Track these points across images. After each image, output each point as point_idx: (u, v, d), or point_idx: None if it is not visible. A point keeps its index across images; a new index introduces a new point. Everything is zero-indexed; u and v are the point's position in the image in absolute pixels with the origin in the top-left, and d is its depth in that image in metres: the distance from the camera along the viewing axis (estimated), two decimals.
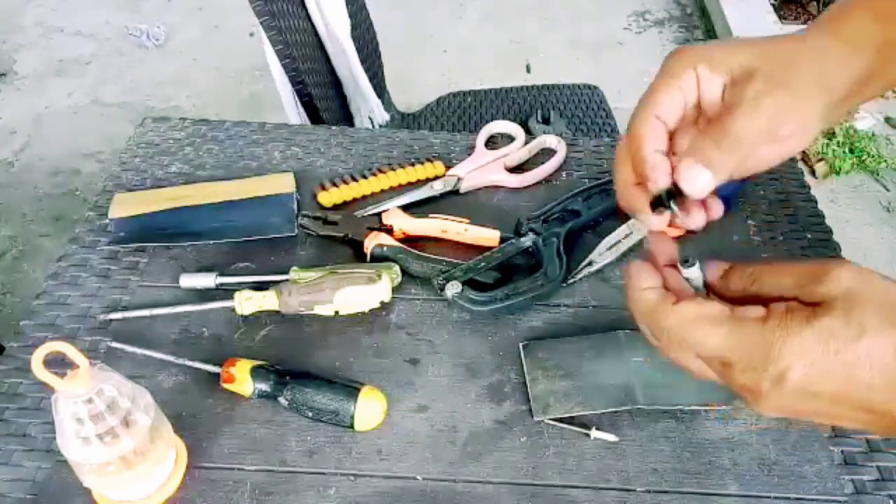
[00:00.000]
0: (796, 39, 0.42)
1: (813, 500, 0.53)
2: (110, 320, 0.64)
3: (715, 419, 0.58)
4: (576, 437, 0.57)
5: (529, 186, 0.79)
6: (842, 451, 0.56)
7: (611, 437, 0.57)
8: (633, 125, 0.42)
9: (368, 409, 0.56)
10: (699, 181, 0.40)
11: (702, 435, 0.57)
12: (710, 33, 2.68)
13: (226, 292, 0.65)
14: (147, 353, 0.61)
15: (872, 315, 0.33)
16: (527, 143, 0.83)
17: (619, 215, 0.73)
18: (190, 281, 0.67)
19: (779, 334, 0.34)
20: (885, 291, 0.34)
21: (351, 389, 0.57)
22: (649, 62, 2.59)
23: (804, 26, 0.45)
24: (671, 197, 0.42)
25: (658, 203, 0.42)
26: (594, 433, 0.57)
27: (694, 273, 0.41)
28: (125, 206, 0.73)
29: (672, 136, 0.44)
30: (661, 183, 0.42)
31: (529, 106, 1.56)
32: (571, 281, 0.68)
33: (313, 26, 1.26)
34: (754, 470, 0.55)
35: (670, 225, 0.43)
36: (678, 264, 0.41)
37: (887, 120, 2.22)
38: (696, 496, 0.54)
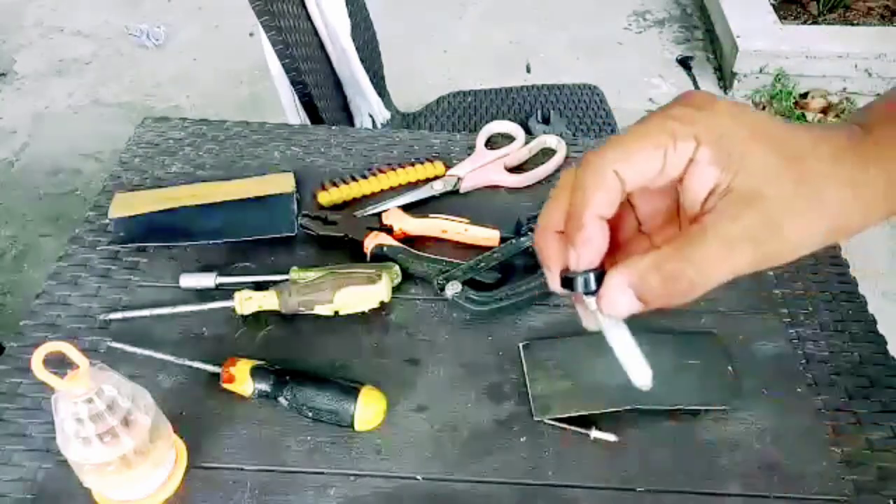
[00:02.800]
0: (825, 161, 0.32)
1: (813, 500, 0.53)
2: (110, 320, 0.64)
3: (715, 419, 0.58)
4: (576, 437, 0.57)
5: (529, 186, 0.79)
6: (842, 451, 0.56)
7: (611, 437, 0.57)
8: (586, 173, 0.33)
9: (368, 408, 0.56)
10: (620, 307, 0.33)
11: (702, 435, 0.57)
12: (711, 33, 2.68)
13: (226, 292, 0.65)
14: (147, 353, 0.61)
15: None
16: (527, 143, 0.83)
17: None
18: (190, 281, 0.67)
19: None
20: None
21: (351, 389, 0.56)
22: (649, 62, 2.59)
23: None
24: (587, 282, 0.34)
25: (570, 280, 0.34)
26: (594, 433, 0.57)
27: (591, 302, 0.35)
28: (125, 206, 0.73)
29: (631, 198, 0.35)
30: (583, 263, 0.33)
31: (529, 106, 1.56)
32: None
33: (313, 26, 1.26)
34: (754, 470, 0.55)
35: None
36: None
37: None
38: (696, 496, 0.54)
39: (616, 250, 0.35)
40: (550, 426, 0.58)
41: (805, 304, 0.66)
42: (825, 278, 0.69)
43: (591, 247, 0.33)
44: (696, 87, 2.46)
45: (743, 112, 0.32)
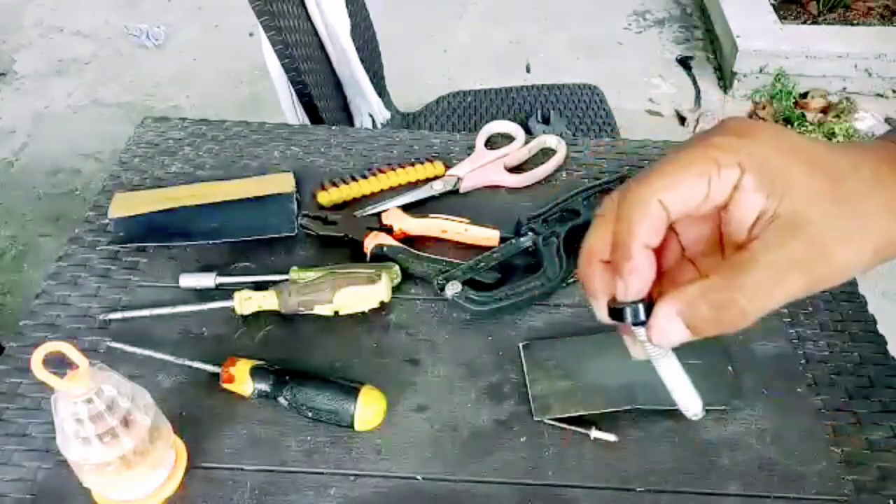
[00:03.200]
0: (866, 182, 0.32)
1: (813, 500, 0.53)
2: (110, 320, 0.64)
3: (715, 419, 0.58)
4: (576, 437, 0.57)
5: (529, 186, 0.79)
6: (843, 451, 0.56)
7: (611, 437, 0.57)
8: (630, 203, 0.33)
9: (368, 408, 0.56)
10: (671, 336, 0.33)
11: (702, 435, 0.57)
12: (710, 33, 2.68)
13: (225, 292, 0.65)
14: (147, 353, 0.61)
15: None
16: (526, 142, 0.83)
17: None
18: (190, 281, 0.67)
19: None
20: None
21: (351, 389, 0.56)
22: (649, 62, 2.59)
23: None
24: (636, 313, 0.33)
25: (618, 311, 0.34)
26: (594, 433, 0.57)
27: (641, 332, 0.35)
28: (125, 206, 0.73)
29: (674, 225, 0.34)
30: (632, 294, 0.33)
31: (529, 106, 1.56)
32: (571, 281, 0.68)
33: (313, 26, 1.26)
34: (754, 470, 0.55)
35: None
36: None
37: (888, 120, 2.22)
38: (696, 496, 0.54)
39: (661, 277, 0.35)
40: (550, 426, 0.58)
41: (805, 304, 0.66)
42: None
43: (639, 277, 0.33)
44: (696, 87, 2.46)
45: (784, 136, 0.32)
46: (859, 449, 0.56)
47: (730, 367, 0.60)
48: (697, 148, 0.32)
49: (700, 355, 0.61)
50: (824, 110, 2.31)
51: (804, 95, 2.35)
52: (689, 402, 0.37)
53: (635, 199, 0.32)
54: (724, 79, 2.47)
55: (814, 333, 0.64)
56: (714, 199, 0.32)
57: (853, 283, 0.68)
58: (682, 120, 2.28)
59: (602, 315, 0.36)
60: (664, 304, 0.32)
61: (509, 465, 0.55)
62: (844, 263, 0.31)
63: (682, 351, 0.63)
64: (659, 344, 0.34)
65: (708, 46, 2.66)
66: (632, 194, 0.33)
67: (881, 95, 2.32)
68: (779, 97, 2.33)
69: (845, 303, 0.66)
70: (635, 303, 0.34)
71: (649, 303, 0.33)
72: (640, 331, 0.34)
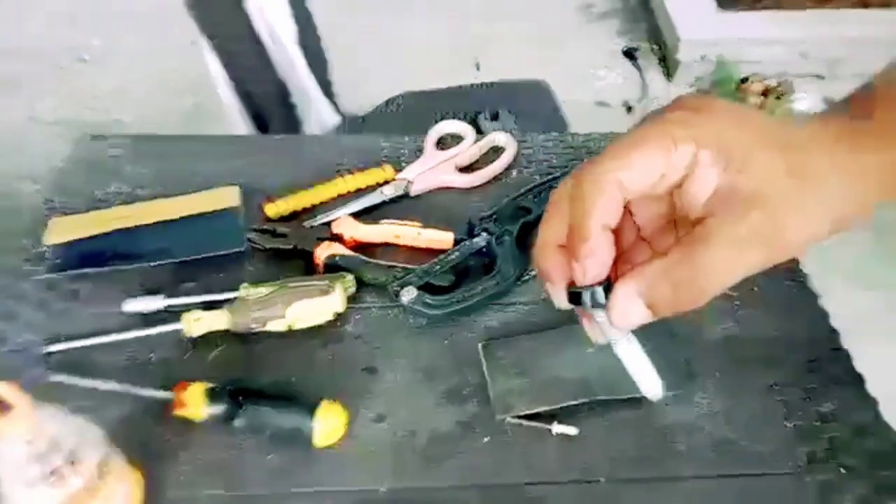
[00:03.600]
0: (822, 155, 0.32)
1: (769, 475, 0.55)
2: (52, 353, 0.62)
3: (670, 404, 0.59)
4: (538, 433, 0.57)
5: (481, 186, 0.79)
6: (794, 426, 0.57)
7: (572, 431, 0.57)
8: (585, 183, 0.32)
9: (327, 423, 0.55)
10: (631, 317, 0.33)
11: (660, 421, 0.58)
12: (653, 24, 2.72)
13: (173, 314, 0.63)
14: (93, 384, 0.58)
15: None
16: (476, 141, 0.83)
17: None
18: (135, 305, 0.65)
19: None
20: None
21: (309, 405, 0.55)
22: (596, 55, 2.63)
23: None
24: (595, 296, 0.33)
25: (577, 295, 0.33)
26: (556, 428, 0.57)
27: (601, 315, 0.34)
28: (62, 232, 0.70)
29: (629, 205, 0.34)
30: (590, 276, 0.33)
31: (479, 103, 1.56)
32: (526, 278, 0.68)
33: (256, 33, 1.23)
34: (710, 451, 0.56)
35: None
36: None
37: (825, 100, 2.29)
38: (656, 482, 0.54)
39: (617, 259, 0.35)
40: (512, 424, 0.58)
41: (750, 286, 0.68)
42: None
43: (597, 259, 0.32)
44: (642, 77, 2.50)
45: (738, 111, 0.32)
46: (810, 422, 0.58)
47: (682, 353, 0.61)
48: (652, 126, 0.31)
49: (652, 342, 0.62)
50: (764, 93, 2.37)
51: (745, 80, 2.41)
52: (650, 383, 0.38)
53: (591, 180, 0.32)
54: (669, 68, 2.51)
55: (760, 313, 0.65)
56: (670, 177, 0.32)
57: (795, 261, 0.70)
58: (630, 110, 2.32)
59: (560, 301, 0.35)
60: (623, 285, 0.32)
61: (473, 468, 0.55)
62: (801, 236, 0.31)
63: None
64: (619, 326, 0.33)
65: (651, 37, 2.70)
66: (586, 175, 0.32)
67: (818, 76, 2.40)
68: (721, 83, 2.38)
69: (789, 281, 0.68)
70: (594, 285, 0.33)
71: (608, 285, 0.33)
72: (600, 313, 0.34)
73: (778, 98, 2.30)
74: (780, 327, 0.64)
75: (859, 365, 0.62)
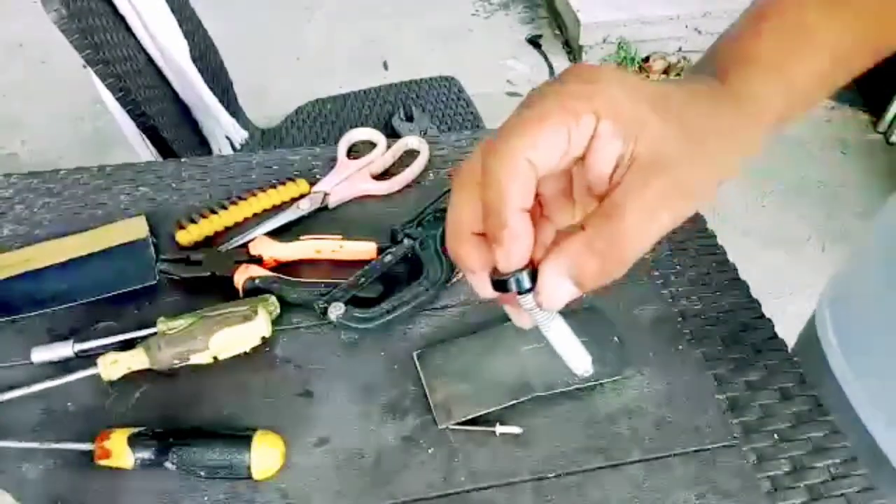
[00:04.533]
0: (704, 116, 0.33)
1: (709, 448, 0.56)
2: None
3: (610, 390, 0.59)
4: (482, 436, 0.57)
5: (399, 191, 0.78)
6: (727, 398, 0.59)
7: (516, 430, 0.57)
8: (496, 165, 0.31)
9: (264, 455, 0.53)
10: (560, 297, 0.32)
11: (601, 409, 0.58)
12: (553, 11, 2.77)
13: (88, 359, 0.59)
14: (5, 444, 0.54)
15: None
16: (389, 146, 0.81)
17: None
18: (44, 354, 0.60)
19: None
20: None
21: (243, 438, 0.53)
22: (501, 45, 2.66)
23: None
24: (521, 282, 0.32)
25: (502, 283, 0.32)
26: (499, 429, 0.57)
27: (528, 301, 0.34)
28: None
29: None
30: (515, 262, 0.32)
31: (391, 105, 1.55)
32: (454, 280, 0.68)
33: (147, 53, 1.18)
34: (652, 432, 0.57)
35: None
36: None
37: None
38: (605, 470, 0.55)
39: None
40: (456, 431, 0.57)
41: (672, 264, 0.70)
42: (687, 236, 0.72)
43: (520, 244, 0.31)
44: (549, 64, 2.55)
45: (627, 77, 0.32)
46: (741, 392, 0.60)
47: (615, 338, 0.62)
48: (551, 99, 0.31)
49: (586, 331, 0.63)
50: (666, 71, 2.46)
51: (646, 59, 2.49)
52: (580, 360, 0.37)
53: (501, 163, 0.31)
54: (573, 52, 2.57)
55: (685, 290, 0.67)
56: (573, 151, 0.31)
57: (712, 237, 0.73)
58: None
59: (484, 290, 0.34)
60: (550, 265, 0.32)
61: (421, 481, 0.54)
62: (701, 193, 0.32)
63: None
64: (549, 307, 0.33)
65: (553, 23, 2.76)
66: (495, 158, 0.31)
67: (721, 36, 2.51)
68: (623, 63, 2.46)
69: (707, 256, 0.71)
70: (518, 271, 0.32)
71: (532, 269, 0.32)
72: (527, 298, 0.33)
73: (678, 74, 2.40)
74: (704, 302, 0.66)
75: (780, 328, 0.64)
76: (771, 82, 0.35)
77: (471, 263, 0.33)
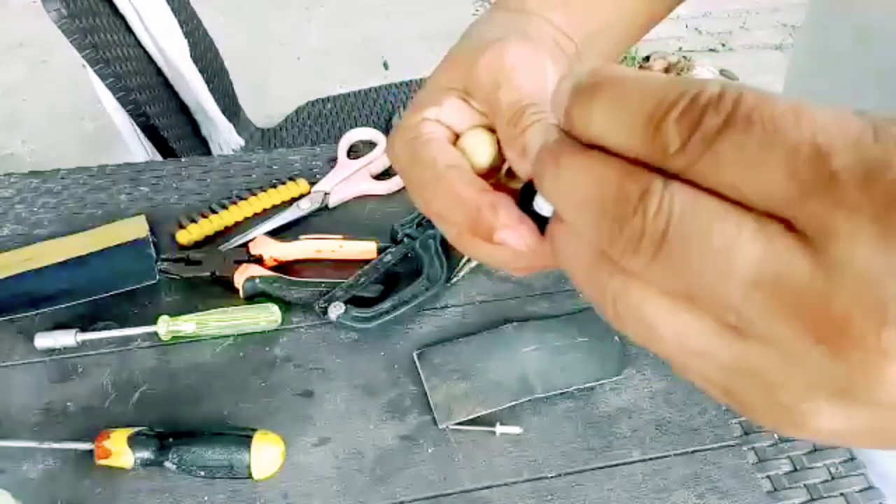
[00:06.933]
0: (543, 42, 0.35)
1: (709, 449, 0.56)
2: None
3: (610, 390, 0.59)
4: (482, 436, 0.57)
5: (399, 191, 0.77)
6: None
7: (516, 430, 0.57)
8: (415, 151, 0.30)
9: (264, 454, 0.53)
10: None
11: (601, 409, 0.59)
12: None
13: (90, 357, 0.59)
14: (5, 443, 0.54)
15: None
16: None
17: None
18: (47, 341, 0.60)
19: None
20: None
21: (242, 438, 0.53)
22: None
23: None
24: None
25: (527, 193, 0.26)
26: (499, 429, 0.57)
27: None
28: None
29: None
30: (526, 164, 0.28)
31: (391, 105, 1.55)
32: (454, 280, 0.68)
33: (147, 53, 1.18)
34: (653, 432, 0.57)
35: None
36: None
37: (722, 72, 2.40)
38: (604, 469, 0.55)
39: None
40: (456, 431, 0.57)
41: None
42: None
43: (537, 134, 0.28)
44: None
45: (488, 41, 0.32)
46: None
47: (616, 338, 0.62)
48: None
49: (586, 332, 0.63)
50: (666, 70, 2.46)
51: (647, 59, 2.49)
52: None
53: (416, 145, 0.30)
54: None
55: None
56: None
57: None
58: None
59: (518, 231, 0.27)
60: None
61: (421, 480, 0.54)
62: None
63: (569, 330, 0.64)
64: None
65: None
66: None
67: (713, 50, 2.51)
68: (625, 63, 2.45)
69: None
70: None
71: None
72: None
73: (679, 74, 2.39)
74: None
75: None
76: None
77: (499, 214, 0.27)
